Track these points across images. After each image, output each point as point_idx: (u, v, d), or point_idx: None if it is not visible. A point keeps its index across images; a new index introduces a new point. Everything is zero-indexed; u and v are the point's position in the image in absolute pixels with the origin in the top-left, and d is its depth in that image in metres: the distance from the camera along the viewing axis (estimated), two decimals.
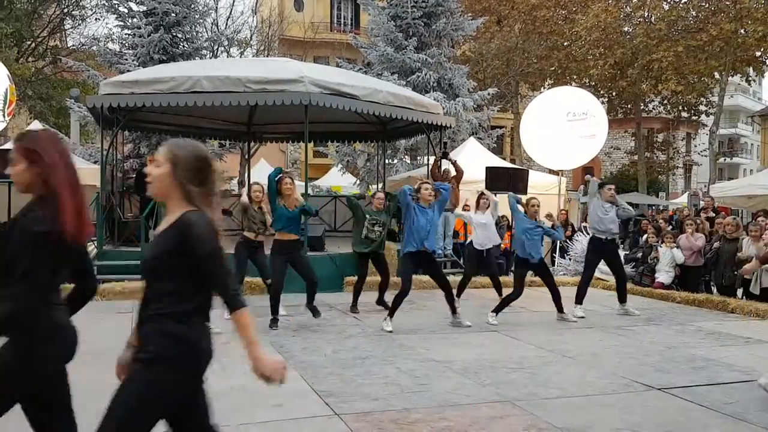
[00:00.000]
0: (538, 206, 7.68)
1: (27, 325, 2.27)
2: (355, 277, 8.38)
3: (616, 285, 8.41)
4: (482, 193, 8.83)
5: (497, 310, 7.48)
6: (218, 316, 7.50)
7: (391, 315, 6.92)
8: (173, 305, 2.23)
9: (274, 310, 6.93)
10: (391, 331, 6.76)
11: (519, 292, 7.42)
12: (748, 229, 9.25)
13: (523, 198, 8.37)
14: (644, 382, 5.02)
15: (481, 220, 8.49)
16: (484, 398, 4.54)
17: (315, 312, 7.11)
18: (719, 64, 21.92)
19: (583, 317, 7.87)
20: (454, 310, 7.19)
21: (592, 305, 8.46)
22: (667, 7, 22.65)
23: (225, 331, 6.62)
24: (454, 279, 8.38)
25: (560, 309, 7.69)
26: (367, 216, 7.91)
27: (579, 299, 8.10)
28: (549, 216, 9.56)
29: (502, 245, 11.07)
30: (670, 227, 11.94)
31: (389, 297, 7.42)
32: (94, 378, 4.81)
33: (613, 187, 8.33)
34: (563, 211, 13.53)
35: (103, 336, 6.43)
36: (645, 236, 11.48)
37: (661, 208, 26.96)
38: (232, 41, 19.92)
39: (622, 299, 8.29)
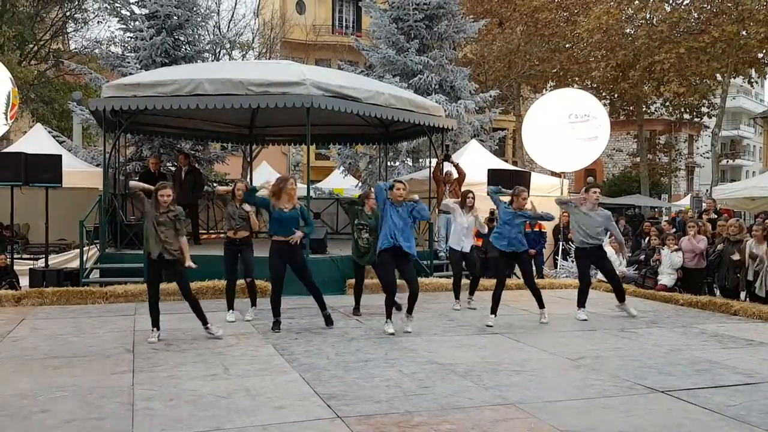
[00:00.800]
0: (525, 199, 7.54)
1: None
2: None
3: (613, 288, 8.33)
4: (468, 192, 8.74)
5: (493, 311, 7.45)
6: (219, 318, 7.40)
7: (388, 317, 6.91)
8: None
9: (275, 312, 6.93)
10: (393, 334, 6.75)
11: (502, 284, 7.45)
12: (752, 230, 9.22)
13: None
14: (647, 385, 5.01)
15: (463, 223, 8.44)
16: (487, 401, 4.53)
17: (327, 321, 7.10)
18: (721, 66, 21.87)
19: (585, 320, 7.86)
20: (410, 310, 6.95)
21: (594, 308, 8.46)
22: (668, 9, 22.60)
23: (227, 334, 6.64)
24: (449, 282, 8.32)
25: (541, 305, 7.66)
26: (356, 220, 7.82)
27: (581, 303, 8.08)
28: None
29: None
30: (674, 230, 11.93)
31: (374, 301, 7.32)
32: (94, 379, 4.82)
33: (598, 190, 8.24)
34: (566, 213, 13.50)
35: (105, 338, 6.45)
36: (647, 238, 11.48)
37: (663, 210, 26.91)
38: (234, 44, 19.96)
39: (620, 299, 8.25)
